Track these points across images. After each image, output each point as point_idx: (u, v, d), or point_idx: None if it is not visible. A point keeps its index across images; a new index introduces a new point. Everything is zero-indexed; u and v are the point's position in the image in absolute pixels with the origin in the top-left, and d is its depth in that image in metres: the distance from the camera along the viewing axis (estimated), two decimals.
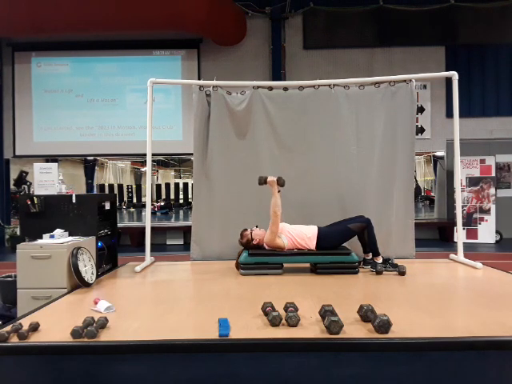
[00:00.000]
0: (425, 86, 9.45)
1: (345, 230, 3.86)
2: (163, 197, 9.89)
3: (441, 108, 9.46)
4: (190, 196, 9.64)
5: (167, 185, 9.90)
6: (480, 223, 8.82)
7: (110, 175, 9.82)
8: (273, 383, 2.00)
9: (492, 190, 8.82)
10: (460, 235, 4.47)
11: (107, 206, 4.08)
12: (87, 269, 3.29)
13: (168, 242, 9.38)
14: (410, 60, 9.35)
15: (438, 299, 2.81)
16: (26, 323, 2.18)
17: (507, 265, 5.11)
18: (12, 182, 9.64)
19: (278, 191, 3.78)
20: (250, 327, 2.23)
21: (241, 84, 4.79)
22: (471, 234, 8.81)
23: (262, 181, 3.81)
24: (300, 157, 4.54)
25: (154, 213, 9.52)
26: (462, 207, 8.68)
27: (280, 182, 3.78)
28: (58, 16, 7.96)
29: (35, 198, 3.60)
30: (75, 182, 9.48)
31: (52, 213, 3.64)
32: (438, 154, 9.54)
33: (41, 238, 3.41)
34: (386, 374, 2.00)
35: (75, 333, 2.06)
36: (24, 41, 9.49)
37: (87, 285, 3.21)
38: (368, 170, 4.50)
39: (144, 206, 8.97)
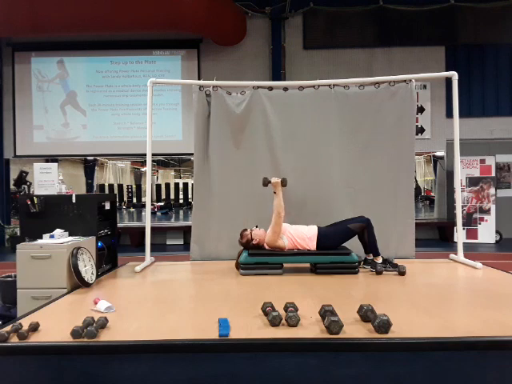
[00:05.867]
0: (425, 86, 9.45)
1: (345, 230, 3.86)
2: (163, 197, 9.88)
3: (441, 108, 9.46)
4: (189, 196, 9.63)
5: (167, 185, 9.89)
6: (480, 223, 8.82)
7: (109, 175, 9.81)
8: (273, 383, 2.00)
9: (492, 190, 8.82)
10: (460, 235, 4.47)
11: (107, 206, 4.08)
12: (87, 269, 3.29)
13: (168, 242, 9.38)
14: (410, 60, 9.35)
15: (438, 299, 2.81)
16: (25, 323, 2.18)
17: (507, 265, 5.11)
18: (12, 182, 9.64)
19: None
20: (250, 327, 2.23)
21: (241, 84, 4.80)
22: (471, 234, 8.80)
23: (266, 182, 3.89)
24: (300, 156, 4.54)
25: (153, 213, 9.51)
26: (462, 207, 8.68)
27: (284, 184, 3.86)
28: (58, 16, 7.96)
29: (35, 198, 3.60)
30: (75, 182, 9.48)
31: (52, 213, 3.64)
32: (438, 154, 9.54)
33: (41, 238, 3.41)
34: (386, 374, 2.00)
35: (75, 333, 2.06)
36: (24, 41, 9.49)
37: (87, 285, 3.21)
38: (368, 170, 4.51)
39: (144, 205, 8.97)
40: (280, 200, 3.80)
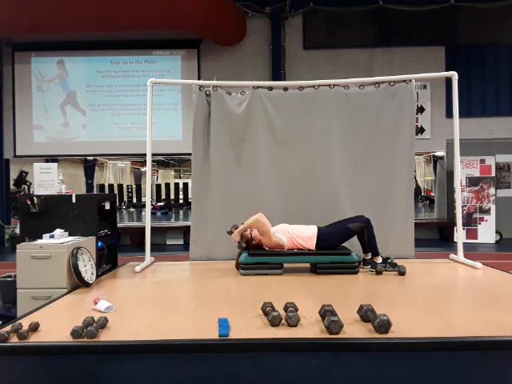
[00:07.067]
0: (425, 86, 9.45)
1: (344, 230, 3.86)
2: (163, 197, 9.88)
3: (441, 108, 9.46)
4: (189, 196, 9.62)
5: (167, 185, 9.90)
6: (480, 223, 8.82)
7: (109, 175, 9.81)
8: (273, 383, 2.00)
9: (492, 190, 8.81)
10: (460, 235, 4.47)
11: (107, 206, 4.08)
12: (87, 269, 3.29)
13: (168, 242, 9.38)
14: (410, 60, 9.35)
15: (437, 299, 2.81)
16: (25, 323, 2.18)
17: (507, 265, 5.12)
18: (12, 182, 9.64)
19: (242, 223, 3.83)
20: (250, 327, 2.23)
21: (241, 84, 4.80)
22: (471, 234, 8.80)
23: (241, 245, 3.85)
24: (300, 156, 4.54)
25: (153, 213, 9.51)
26: (462, 207, 8.68)
27: (233, 231, 3.83)
28: (58, 16, 7.96)
29: (35, 198, 3.60)
30: (75, 182, 9.48)
31: (52, 213, 3.64)
32: (438, 154, 9.54)
33: (41, 238, 3.41)
34: (386, 374, 2.00)
35: (75, 333, 2.06)
36: (24, 41, 9.49)
37: (87, 285, 3.21)
38: (368, 170, 4.51)
39: (144, 205, 8.97)
40: (246, 226, 3.79)
